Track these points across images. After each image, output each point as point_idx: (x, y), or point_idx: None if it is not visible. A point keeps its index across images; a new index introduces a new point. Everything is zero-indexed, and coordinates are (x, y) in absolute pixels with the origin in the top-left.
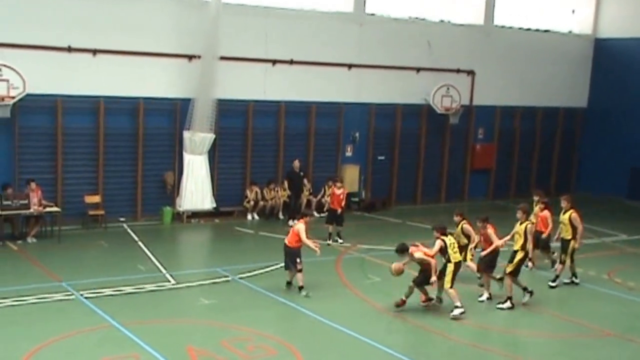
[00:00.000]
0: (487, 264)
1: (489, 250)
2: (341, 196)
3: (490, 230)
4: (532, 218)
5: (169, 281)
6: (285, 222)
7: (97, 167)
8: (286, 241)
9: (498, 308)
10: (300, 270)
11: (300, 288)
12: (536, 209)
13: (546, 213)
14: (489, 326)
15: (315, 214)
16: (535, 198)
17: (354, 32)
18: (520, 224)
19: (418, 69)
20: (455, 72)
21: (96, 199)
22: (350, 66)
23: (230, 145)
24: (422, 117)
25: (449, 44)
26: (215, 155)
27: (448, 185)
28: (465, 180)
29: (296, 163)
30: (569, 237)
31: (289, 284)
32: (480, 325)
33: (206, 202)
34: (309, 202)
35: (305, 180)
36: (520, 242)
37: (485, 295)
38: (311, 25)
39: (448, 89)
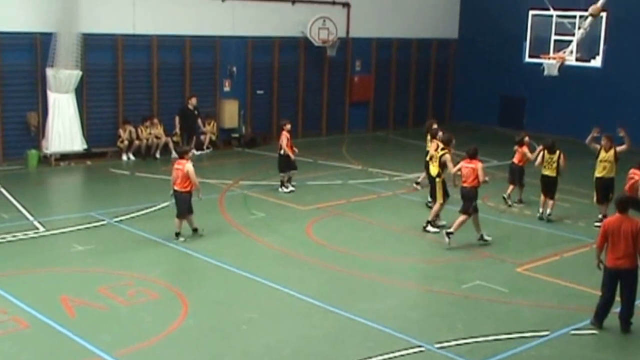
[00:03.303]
0: None
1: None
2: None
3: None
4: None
5: (38, 229)
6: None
7: None
8: (176, 186)
9: None
10: (191, 212)
11: (195, 230)
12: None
13: None
14: (371, 255)
15: (195, 151)
16: (435, 126)
17: None
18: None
19: (293, 1)
20: (330, 4)
21: None
22: None
23: (100, 83)
24: (300, 50)
25: None
26: (83, 93)
27: (328, 118)
28: (345, 113)
29: (192, 100)
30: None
31: (178, 235)
32: (355, 253)
33: (76, 143)
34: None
35: (199, 121)
36: None
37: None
38: None
39: (324, 21)
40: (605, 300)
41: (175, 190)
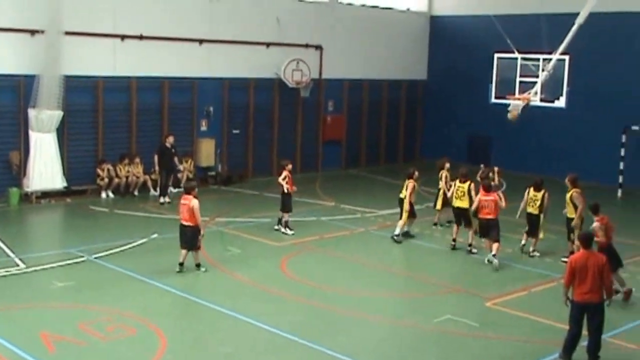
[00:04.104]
0: None
1: None
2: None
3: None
4: None
5: (18, 265)
6: (157, 199)
7: None
8: (182, 221)
9: None
10: (199, 248)
11: (198, 265)
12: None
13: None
14: (344, 289)
15: (172, 189)
16: (447, 165)
17: (204, 7)
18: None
19: (268, 44)
20: (304, 47)
21: None
22: (201, 41)
23: (81, 123)
24: (275, 91)
25: (297, 19)
26: (64, 132)
27: (302, 156)
28: (318, 151)
29: (170, 139)
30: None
31: (181, 265)
32: (329, 288)
33: (56, 182)
34: (176, 179)
35: (175, 159)
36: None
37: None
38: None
39: (298, 63)
40: (573, 334)
41: (181, 224)
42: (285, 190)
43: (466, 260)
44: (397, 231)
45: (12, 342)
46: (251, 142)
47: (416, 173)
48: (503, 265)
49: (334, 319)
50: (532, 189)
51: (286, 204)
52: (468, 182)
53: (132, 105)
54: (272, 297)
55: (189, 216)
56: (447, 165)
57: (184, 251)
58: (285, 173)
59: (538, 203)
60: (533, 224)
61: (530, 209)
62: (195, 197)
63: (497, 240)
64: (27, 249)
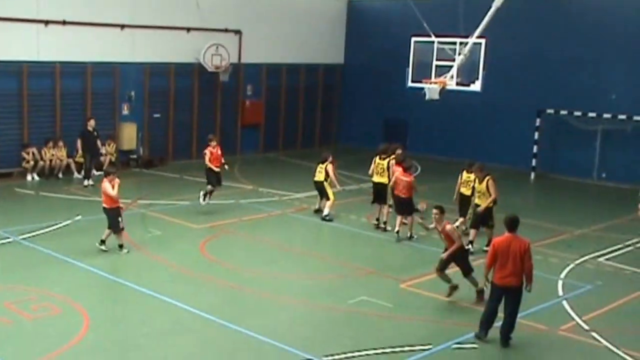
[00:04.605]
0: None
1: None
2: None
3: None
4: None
5: None
6: (80, 182)
7: None
8: (103, 203)
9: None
10: (122, 229)
11: (121, 246)
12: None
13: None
14: (261, 272)
15: (95, 172)
16: (399, 151)
17: None
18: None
19: (188, 29)
20: (223, 32)
21: None
22: (123, 26)
23: (5, 107)
24: (195, 75)
25: (217, 4)
26: None
27: (221, 139)
28: (237, 135)
29: (91, 122)
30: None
31: (103, 242)
32: (247, 270)
33: None
34: (99, 162)
35: (98, 142)
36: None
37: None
38: None
39: (217, 48)
40: (489, 314)
41: (103, 207)
42: (208, 166)
43: (381, 242)
44: (326, 211)
45: None
46: (172, 126)
47: (330, 157)
48: (417, 247)
49: (252, 300)
50: (465, 171)
51: (208, 178)
52: (387, 159)
53: (56, 90)
54: (191, 278)
55: (106, 198)
56: (399, 151)
57: (108, 230)
58: (207, 150)
59: (471, 185)
60: (464, 205)
61: (463, 190)
62: (109, 181)
63: (410, 214)
64: None
